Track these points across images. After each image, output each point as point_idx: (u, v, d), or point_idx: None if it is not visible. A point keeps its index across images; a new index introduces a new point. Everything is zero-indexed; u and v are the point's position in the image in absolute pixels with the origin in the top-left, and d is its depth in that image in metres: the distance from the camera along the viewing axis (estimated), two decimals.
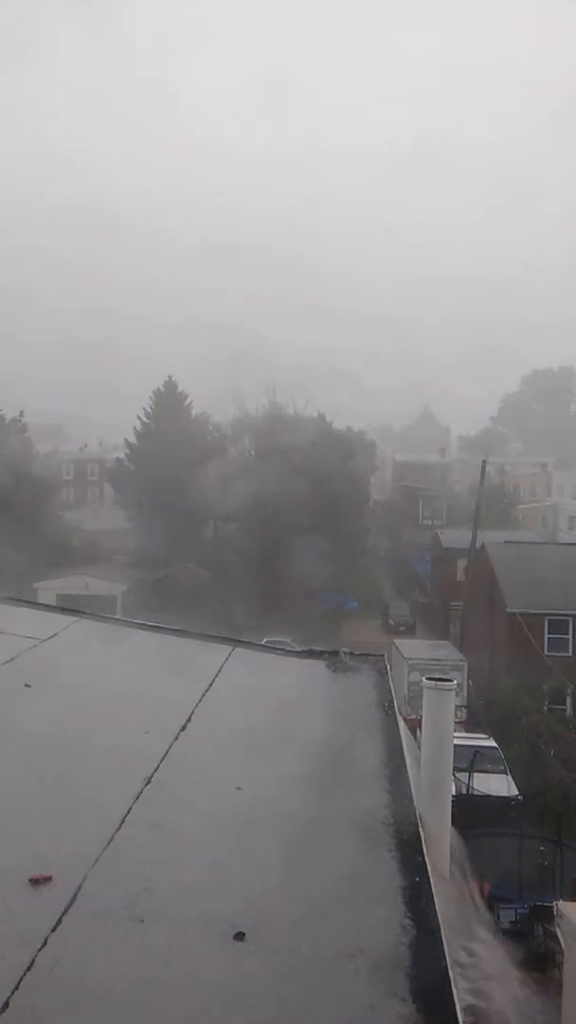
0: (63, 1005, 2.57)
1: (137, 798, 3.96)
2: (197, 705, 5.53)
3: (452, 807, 4.44)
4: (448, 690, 4.21)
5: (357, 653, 7.45)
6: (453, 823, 4.42)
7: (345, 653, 7.36)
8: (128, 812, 3.79)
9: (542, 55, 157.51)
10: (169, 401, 57.00)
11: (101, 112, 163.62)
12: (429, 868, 3.43)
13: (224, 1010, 2.58)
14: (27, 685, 5.67)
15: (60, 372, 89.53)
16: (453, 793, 4.53)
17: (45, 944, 2.76)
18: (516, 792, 20.51)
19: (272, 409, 58.85)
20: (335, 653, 7.43)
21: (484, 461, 43.35)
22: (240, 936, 2.86)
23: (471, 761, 18.57)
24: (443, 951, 2.81)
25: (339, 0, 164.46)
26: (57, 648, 6.98)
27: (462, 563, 42.46)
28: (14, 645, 6.56)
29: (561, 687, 29.48)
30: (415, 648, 34.31)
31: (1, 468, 42.74)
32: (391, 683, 6.57)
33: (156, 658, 7.47)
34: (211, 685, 6.15)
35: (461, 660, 33.19)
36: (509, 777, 21.26)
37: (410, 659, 30.26)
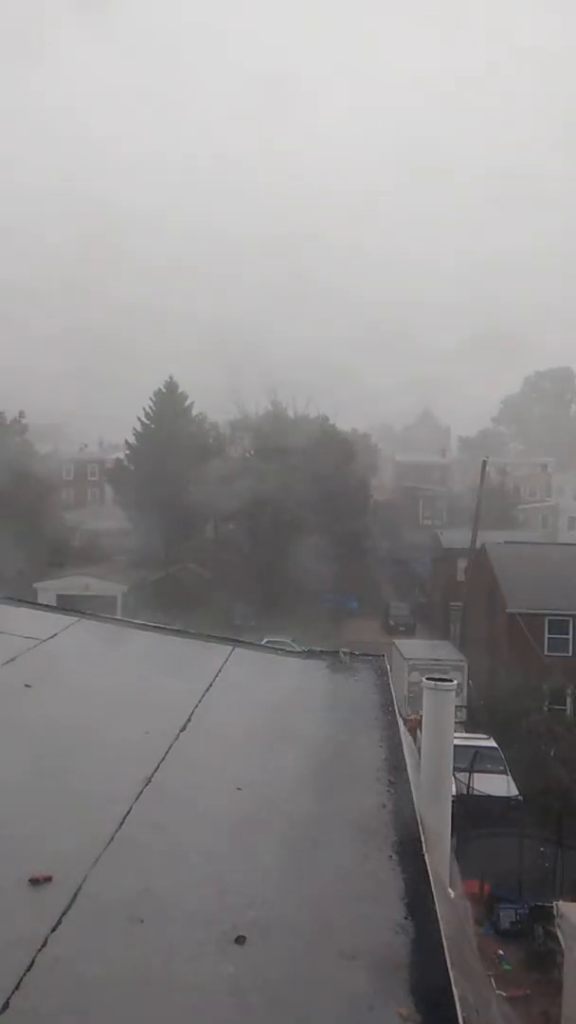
0: (63, 1005, 2.56)
1: (137, 798, 3.96)
2: (197, 705, 5.53)
3: (452, 807, 4.44)
4: (448, 690, 4.21)
5: (357, 653, 7.44)
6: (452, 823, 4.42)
7: (345, 653, 7.35)
8: (128, 812, 3.79)
9: (547, 50, 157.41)
10: (169, 401, 57.01)
11: (105, 109, 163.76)
12: (429, 868, 3.43)
13: (224, 1010, 2.57)
14: (27, 685, 5.67)
15: (61, 373, 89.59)
16: (453, 793, 4.54)
17: (45, 944, 2.76)
18: (516, 792, 20.52)
19: (272, 409, 58.86)
20: (335, 653, 7.42)
21: (484, 461, 43.44)
22: (240, 938, 2.86)
23: (471, 761, 18.60)
24: (443, 951, 2.81)
25: (341, 1, 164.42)
26: (57, 648, 6.98)
27: (462, 563, 42.53)
28: (14, 645, 6.56)
29: (561, 687, 29.51)
30: (415, 648, 34.38)
31: (1, 468, 42.75)
32: (391, 683, 6.56)
33: (156, 658, 7.47)
34: (211, 685, 6.15)
35: (461, 660, 33.24)
36: (509, 777, 21.27)
37: (410, 659, 30.31)
